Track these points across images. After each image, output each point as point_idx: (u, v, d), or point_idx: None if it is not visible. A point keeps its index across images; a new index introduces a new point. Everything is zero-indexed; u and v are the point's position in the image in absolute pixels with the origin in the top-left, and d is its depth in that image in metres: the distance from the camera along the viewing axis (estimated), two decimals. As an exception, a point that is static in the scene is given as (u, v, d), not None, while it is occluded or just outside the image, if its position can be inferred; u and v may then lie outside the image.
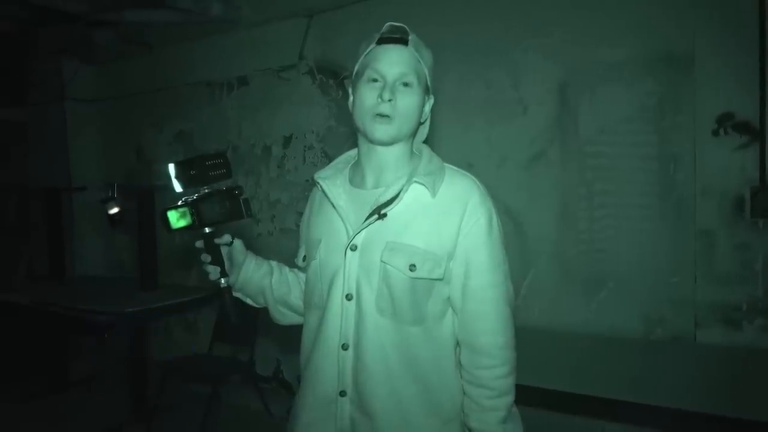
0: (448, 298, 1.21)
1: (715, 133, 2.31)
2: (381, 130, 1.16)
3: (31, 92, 4.80)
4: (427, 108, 1.25)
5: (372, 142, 1.20)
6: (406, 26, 1.19)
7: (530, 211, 2.70)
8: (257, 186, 3.75)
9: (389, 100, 1.14)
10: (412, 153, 1.26)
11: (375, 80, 1.16)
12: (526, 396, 2.25)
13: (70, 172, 4.56)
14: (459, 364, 1.22)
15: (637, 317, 2.51)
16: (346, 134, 3.30)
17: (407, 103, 1.16)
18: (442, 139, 2.61)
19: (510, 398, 1.17)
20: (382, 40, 1.18)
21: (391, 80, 1.15)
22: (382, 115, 1.15)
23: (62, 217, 4.37)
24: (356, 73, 1.21)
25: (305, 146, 3.55)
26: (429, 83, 1.22)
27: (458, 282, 1.18)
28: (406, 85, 1.16)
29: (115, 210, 3.39)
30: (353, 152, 1.32)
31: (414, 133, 1.24)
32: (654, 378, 2.02)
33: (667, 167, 2.44)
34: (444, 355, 1.21)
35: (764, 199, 2.21)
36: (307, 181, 3.52)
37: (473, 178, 1.23)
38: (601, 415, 2.50)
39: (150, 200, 3.61)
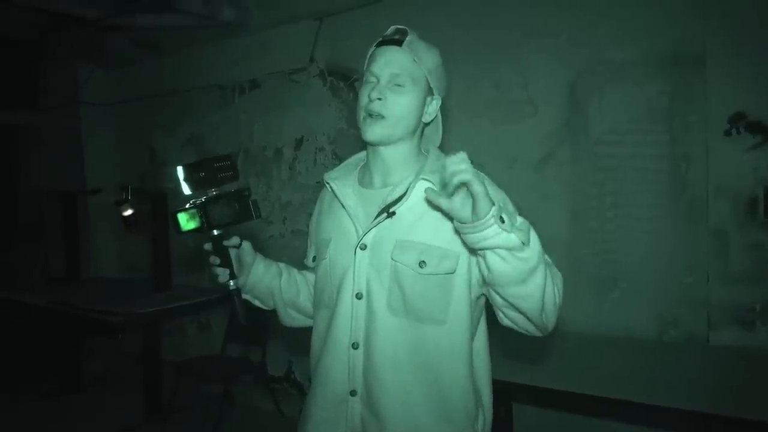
0: (477, 299, 1.19)
1: (728, 133, 2.29)
2: (371, 131, 1.18)
3: (45, 97, 4.86)
4: (432, 108, 1.24)
5: (366, 142, 1.22)
6: (407, 28, 1.20)
7: (541, 211, 2.69)
8: (269, 188, 3.78)
9: (378, 99, 1.16)
10: (419, 153, 1.26)
11: (371, 81, 1.19)
12: (538, 396, 2.26)
13: (85, 175, 4.62)
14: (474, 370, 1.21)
15: (649, 318, 2.49)
16: (357, 136, 3.28)
17: (399, 103, 1.17)
18: (451, 140, 2.61)
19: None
20: (380, 42, 1.21)
21: (384, 80, 1.17)
22: (371, 114, 1.17)
23: (77, 220, 4.42)
24: (363, 77, 1.24)
25: (316, 148, 3.57)
26: (431, 83, 1.21)
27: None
28: (398, 85, 1.17)
29: (129, 212, 3.42)
30: (363, 154, 1.33)
31: (414, 132, 1.24)
32: (667, 379, 2.00)
33: (679, 167, 2.42)
34: (460, 360, 1.18)
35: (777, 199, 2.19)
36: (318, 182, 3.53)
37: (480, 173, 1.23)
38: (613, 416, 2.49)
39: (163, 202, 3.64)
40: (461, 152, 0.93)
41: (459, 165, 0.92)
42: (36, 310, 3.60)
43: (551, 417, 2.63)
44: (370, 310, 1.17)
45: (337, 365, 1.21)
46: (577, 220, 2.67)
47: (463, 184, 0.93)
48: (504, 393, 2.00)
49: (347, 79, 3.39)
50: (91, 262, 4.67)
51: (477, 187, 0.92)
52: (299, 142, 3.64)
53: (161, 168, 4.38)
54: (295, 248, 3.58)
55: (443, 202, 0.97)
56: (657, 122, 2.46)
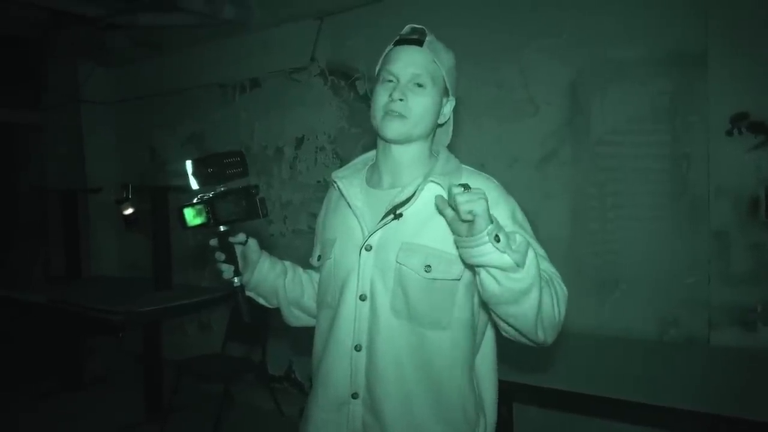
0: (481, 306, 1.18)
1: (729, 133, 2.29)
2: (392, 128, 1.16)
3: (46, 95, 4.87)
4: (447, 109, 1.24)
5: (385, 140, 1.20)
6: (425, 28, 1.19)
7: (542, 211, 2.69)
8: (269, 187, 3.78)
9: (400, 99, 1.14)
10: (430, 154, 1.25)
11: (389, 80, 1.17)
12: (539, 396, 2.26)
13: (86, 174, 4.62)
14: (474, 375, 1.21)
15: (650, 318, 2.49)
16: (358, 135, 3.31)
17: (419, 103, 1.16)
18: (453, 140, 2.62)
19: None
20: (399, 42, 1.19)
21: (404, 80, 1.16)
22: (393, 113, 1.15)
23: (78, 218, 4.42)
24: (376, 75, 1.22)
25: (317, 147, 3.57)
26: (447, 85, 1.21)
27: None
28: (419, 85, 1.16)
29: (129, 211, 3.41)
30: (371, 153, 1.32)
31: (429, 134, 1.23)
32: (667, 379, 2.01)
33: (681, 167, 2.42)
34: (461, 365, 1.18)
35: (779, 200, 2.19)
36: (319, 182, 3.53)
37: (491, 177, 1.22)
38: (613, 416, 2.49)
39: (164, 201, 3.64)
40: (478, 189, 0.95)
41: (474, 204, 0.94)
42: (36, 308, 3.61)
43: (552, 417, 2.63)
44: (373, 313, 1.16)
45: (339, 367, 1.19)
46: (578, 220, 2.66)
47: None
48: (505, 393, 1.99)
49: (348, 78, 3.38)
50: (92, 261, 4.67)
51: (479, 209, 0.94)
52: (300, 141, 3.64)
53: (162, 167, 4.39)
54: (295, 248, 3.58)
55: (448, 213, 0.98)
56: (658, 122, 2.46)
